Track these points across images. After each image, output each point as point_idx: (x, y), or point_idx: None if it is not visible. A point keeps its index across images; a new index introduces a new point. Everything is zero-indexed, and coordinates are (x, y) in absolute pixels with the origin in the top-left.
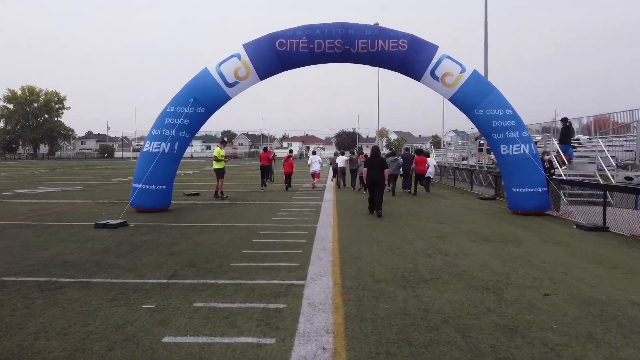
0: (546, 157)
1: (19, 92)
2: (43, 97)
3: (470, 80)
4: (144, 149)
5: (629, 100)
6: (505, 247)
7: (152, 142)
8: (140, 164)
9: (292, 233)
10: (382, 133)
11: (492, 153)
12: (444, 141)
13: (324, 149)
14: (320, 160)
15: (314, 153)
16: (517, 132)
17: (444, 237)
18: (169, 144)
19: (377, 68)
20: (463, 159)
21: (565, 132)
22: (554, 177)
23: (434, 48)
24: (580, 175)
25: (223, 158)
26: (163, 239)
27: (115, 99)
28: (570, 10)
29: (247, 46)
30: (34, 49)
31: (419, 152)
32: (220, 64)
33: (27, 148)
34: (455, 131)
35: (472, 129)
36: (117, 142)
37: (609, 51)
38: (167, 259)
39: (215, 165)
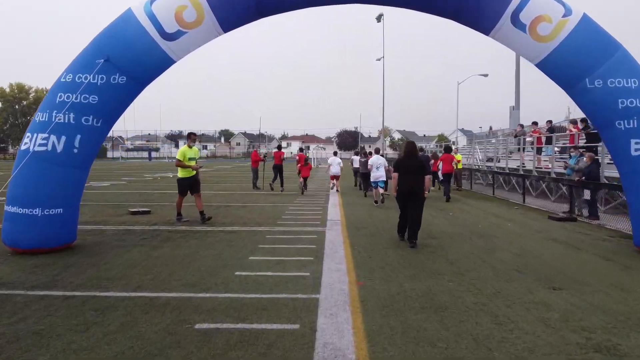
0: None
1: (8, 90)
2: (33, 94)
3: (581, 30)
4: (22, 147)
5: None
6: None
7: (35, 136)
8: (18, 172)
9: (266, 332)
10: (385, 132)
11: (534, 152)
12: (457, 140)
13: (324, 148)
14: (341, 163)
15: (335, 154)
16: None
17: (619, 353)
18: (63, 137)
19: (381, 63)
20: (489, 160)
21: None
22: None
23: None
24: None
25: (194, 163)
26: None
27: None
28: None
29: None
30: (25, 46)
31: (447, 149)
32: (153, 0)
33: (16, 147)
34: (462, 130)
35: (480, 127)
36: (109, 142)
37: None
38: None
39: (180, 174)
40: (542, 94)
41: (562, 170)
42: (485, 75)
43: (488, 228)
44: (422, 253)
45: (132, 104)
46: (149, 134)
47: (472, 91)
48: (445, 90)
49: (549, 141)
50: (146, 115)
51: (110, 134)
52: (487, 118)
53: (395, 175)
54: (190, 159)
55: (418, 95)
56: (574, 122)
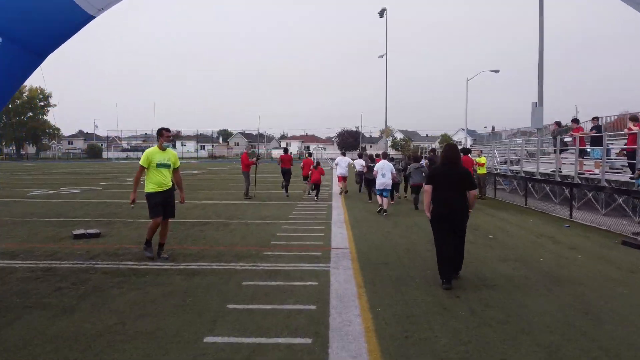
0: None
1: None
2: (26, 93)
3: None
4: None
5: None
6: None
7: None
8: None
9: None
10: (387, 132)
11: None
12: (465, 140)
13: (324, 149)
14: (352, 162)
15: (343, 154)
16: None
17: None
18: None
19: (383, 60)
20: (512, 163)
21: None
22: None
23: None
24: None
25: (166, 171)
26: None
27: (104, 95)
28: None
29: None
30: None
31: (465, 151)
32: None
33: (10, 148)
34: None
35: (485, 127)
36: (105, 142)
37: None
38: None
39: (147, 187)
40: (546, 93)
41: (616, 178)
42: (497, 72)
43: (556, 264)
44: (486, 320)
45: (128, 103)
46: (146, 133)
47: (474, 91)
48: (447, 89)
49: (595, 142)
50: (143, 114)
51: (104, 133)
52: (488, 118)
53: (428, 188)
54: (159, 165)
55: (420, 94)
56: (634, 119)
